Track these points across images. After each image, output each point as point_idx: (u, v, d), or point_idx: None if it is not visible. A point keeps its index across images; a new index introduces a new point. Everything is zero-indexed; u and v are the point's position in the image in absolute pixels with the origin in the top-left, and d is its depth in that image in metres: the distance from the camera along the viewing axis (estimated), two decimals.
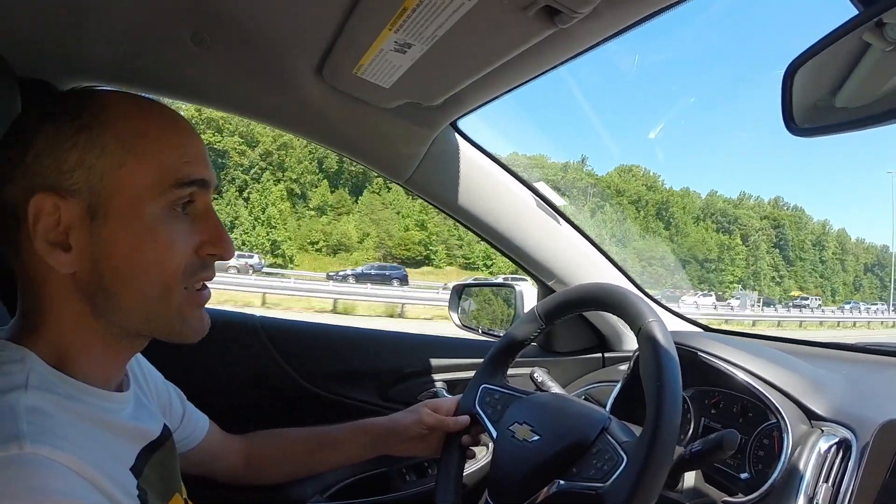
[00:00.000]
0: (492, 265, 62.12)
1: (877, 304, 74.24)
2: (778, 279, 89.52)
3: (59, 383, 0.76)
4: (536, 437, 1.13)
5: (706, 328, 1.95)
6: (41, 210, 0.75)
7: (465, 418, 1.33)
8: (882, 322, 49.93)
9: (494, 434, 1.23)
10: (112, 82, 1.51)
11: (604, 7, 0.93)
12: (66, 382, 0.77)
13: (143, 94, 1.44)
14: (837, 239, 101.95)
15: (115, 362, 0.87)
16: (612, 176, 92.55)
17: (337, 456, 1.38)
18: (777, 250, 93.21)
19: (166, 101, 1.51)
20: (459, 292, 2.24)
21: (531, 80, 1.27)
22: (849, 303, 71.26)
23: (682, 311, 1.99)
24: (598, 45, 1.11)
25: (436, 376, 1.90)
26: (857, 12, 0.80)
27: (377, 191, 70.78)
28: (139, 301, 0.81)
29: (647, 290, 1.97)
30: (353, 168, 66.98)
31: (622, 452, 1.02)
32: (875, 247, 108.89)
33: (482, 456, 1.80)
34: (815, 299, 71.01)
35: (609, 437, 1.07)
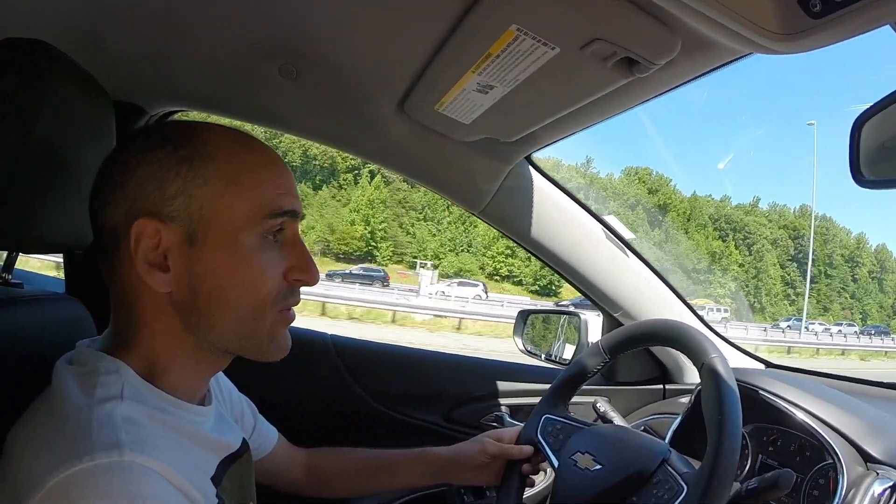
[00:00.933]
0: (439, 264, 60.15)
1: None
2: (793, 296, 78.81)
3: (150, 395, 0.81)
4: (598, 467, 1.15)
5: (767, 364, 1.93)
6: (143, 233, 0.80)
7: (529, 448, 1.34)
8: None
9: (556, 463, 1.25)
10: (200, 108, 1.59)
11: (681, 57, 0.96)
12: (157, 395, 0.82)
13: (231, 121, 1.54)
14: (876, 256, 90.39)
15: (201, 377, 0.93)
16: (611, 178, 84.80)
17: (395, 481, 1.41)
18: (794, 264, 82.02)
19: (251, 126, 1.60)
20: (525, 317, 2.25)
21: (607, 119, 1.30)
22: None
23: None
24: (671, 90, 1.14)
25: (499, 401, 1.92)
26: None
27: (338, 187, 66.91)
28: (233, 322, 0.85)
29: (710, 324, 1.97)
30: (319, 163, 64.64)
31: (682, 483, 1.03)
32: None
33: (540, 482, 1.82)
34: (849, 324, 62.10)
35: (669, 468, 1.08)
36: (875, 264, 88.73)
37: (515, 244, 1.82)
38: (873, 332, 54.27)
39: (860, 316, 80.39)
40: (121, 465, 0.68)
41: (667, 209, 79.07)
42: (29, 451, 0.72)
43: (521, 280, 61.91)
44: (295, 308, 0.93)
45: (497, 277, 62.49)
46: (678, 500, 1.01)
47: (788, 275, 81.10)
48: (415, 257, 61.14)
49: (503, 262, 62.77)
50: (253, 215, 0.84)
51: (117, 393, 0.77)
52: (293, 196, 0.90)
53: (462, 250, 64.16)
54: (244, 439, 1.02)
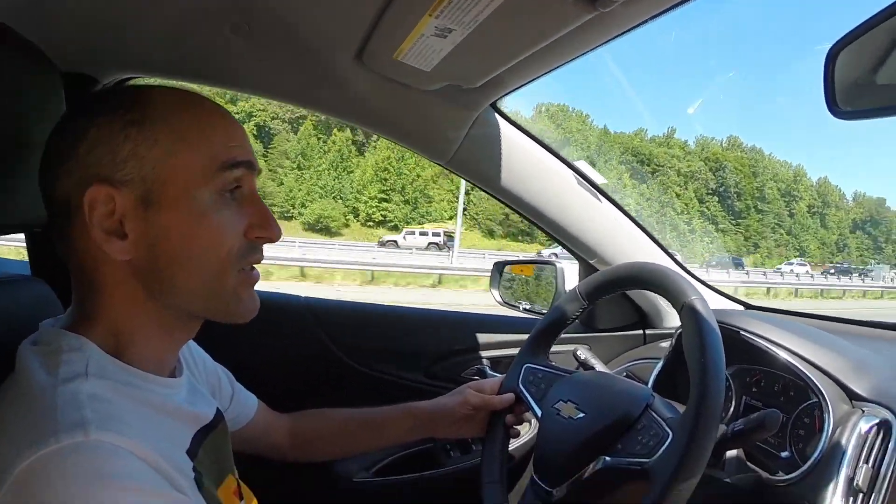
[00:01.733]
0: (304, 213, 60.04)
1: (871, 266, 65.52)
2: (714, 233, 75.29)
3: (116, 370, 0.79)
4: (581, 415, 1.14)
5: (747, 305, 1.94)
6: (96, 200, 0.78)
7: (510, 396, 1.34)
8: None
9: (539, 413, 1.25)
10: (153, 74, 1.53)
11: None
12: (123, 369, 0.80)
13: (185, 85, 1.50)
14: (818, 190, 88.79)
15: (170, 346, 0.91)
16: (518, 114, 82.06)
17: (380, 438, 1.40)
18: (715, 197, 79.00)
19: (207, 89, 1.55)
20: (501, 269, 2.24)
21: (571, 60, 1.26)
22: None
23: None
24: (637, 26, 1.10)
25: (479, 354, 1.92)
26: None
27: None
28: (195, 283, 0.83)
29: (687, 267, 1.96)
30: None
31: (667, 428, 1.02)
32: (870, 199, 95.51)
33: (526, 433, 1.82)
34: (801, 263, 60.37)
35: (653, 413, 1.07)
36: (816, 198, 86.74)
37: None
38: (833, 270, 54.79)
39: (797, 253, 78.88)
40: (87, 445, 0.66)
41: (568, 143, 76.14)
42: None
43: (396, 225, 61.58)
44: None
45: (371, 223, 62.38)
46: (664, 447, 1.00)
47: (708, 209, 77.98)
48: (282, 207, 60.91)
49: (376, 206, 62.76)
50: (206, 170, 0.82)
51: (82, 370, 0.75)
52: (246, 148, 0.88)
53: (334, 197, 63.51)
54: (218, 409, 1.00)
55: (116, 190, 0.79)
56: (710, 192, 79.37)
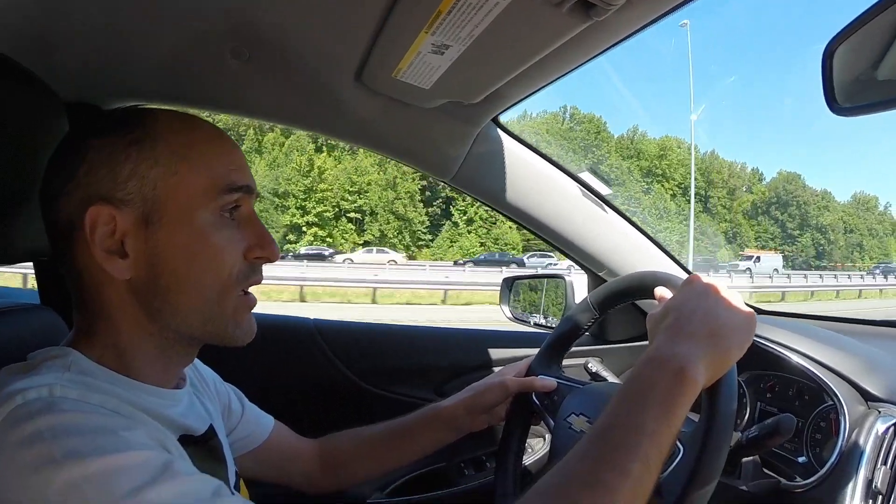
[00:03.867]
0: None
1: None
2: None
3: (100, 372, 0.80)
4: None
5: (758, 310, 1.92)
6: (98, 220, 0.79)
7: (552, 381, 1.32)
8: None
9: (552, 425, 1.24)
10: (155, 101, 1.55)
11: None
12: (111, 375, 0.81)
13: (187, 110, 1.51)
14: (702, 167, 74.67)
15: (168, 368, 0.91)
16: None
17: (413, 448, 1.36)
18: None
19: (208, 114, 1.56)
20: (510, 284, 2.24)
21: (570, 71, 1.26)
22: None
23: None
24: (634, 34, 1.10)
25: (491, 370, 1.91)
26: None
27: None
28: (196, 304, 0.84)
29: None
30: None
31: (678, 442, 1.01)
32: (783, 176, 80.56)
33: (539, 448, 1.81)
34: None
35: None
36: (697, 178, 73.98)
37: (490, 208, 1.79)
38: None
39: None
40: (54, 399, 0.69)
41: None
42: None
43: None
44: None
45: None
46: (675, 461, 0.98)
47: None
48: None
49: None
50: (207, 191, 0.83)
51: (59, 371, 0.76)
52: (245, 172, 0.89)
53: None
54: (211, 426, 0.99)
55: (117, 209, 0.80)
56: None
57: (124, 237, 0.80)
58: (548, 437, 1.60)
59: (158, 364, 0.87)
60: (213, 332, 0.88)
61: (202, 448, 0.93)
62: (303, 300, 21.67)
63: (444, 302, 23.86)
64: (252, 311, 0.92)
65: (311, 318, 1.92)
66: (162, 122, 0.86)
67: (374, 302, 22.64)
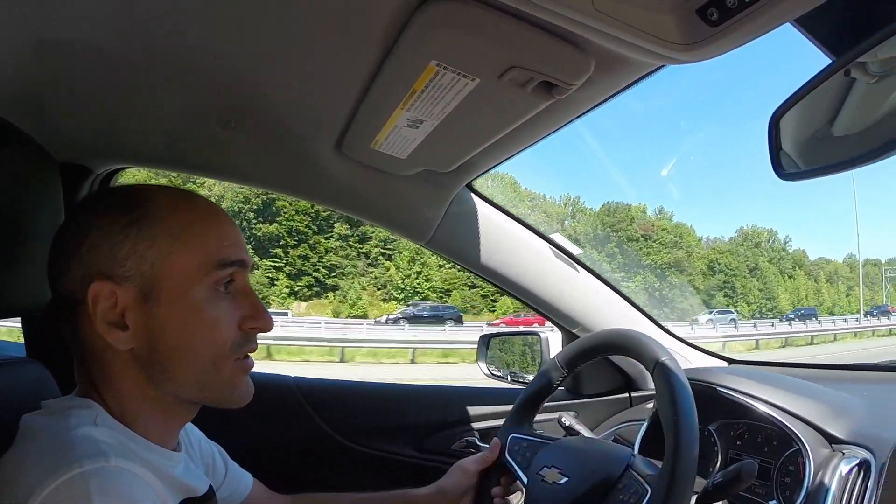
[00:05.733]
0: None
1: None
2: None
3: (122, 429, 0.84)
4: (565, 479, 1.18)
5: (731, 360, 1.97)
6: (99, 295, 0.83)
7: (496, 441, 1.38)
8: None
9: (525, 480, 1.27)
10: (145, 165, 1.61)
11: (596, 76, 0.99)
12: (127, 433, 0.85)
13: (174, 175, 1.57)
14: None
15: (169, 428, 0.95)
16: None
17: None
18: None
19: (195, 178, 1.62)
20: (487, 342, 2.27)
21: (537, 142, 1.34)
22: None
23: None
24: (595, 107, 1.18)
25: (469, 426, 1.93)
26: (830, 61, 0.85)
27: None
28: (193, 373, 0.88)
29: (667, 327, 2.01)
30: None
31: (646, 485, 1.06)
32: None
33: (516, 503, 1.83)
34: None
35: (634, 472, 1.11)
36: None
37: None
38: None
39: None
40: (109, 470, 0.71)
41: None
42: (13, 476, 0.73)
43: None
44: None
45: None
46: (644, 502, 1.03)
47: None
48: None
49: None
50: (201, 268, 0.88)
51: (91, 421, 0.80)
52: (239, 247, 0.93)
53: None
54: (210, 487, 1.02)
55: (118, 285, 0.84)
56: None
57: (125, 310, 0.84)
58: (523, 492, 1.63)
59: (159, 425, 0.91)
60: (209, 397, 0.92)
61: None
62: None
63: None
64: (248, 374, 0.95)
65: (292, 375, 1.95)
66: (159, 201, 0.89)
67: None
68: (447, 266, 55.14)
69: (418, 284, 57.02)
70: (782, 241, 77.50)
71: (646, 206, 75.08)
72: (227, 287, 0.91)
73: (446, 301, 54.04)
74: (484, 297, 56.85)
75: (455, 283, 56.40)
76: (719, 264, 70.81)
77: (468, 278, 55.40)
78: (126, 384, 0.87)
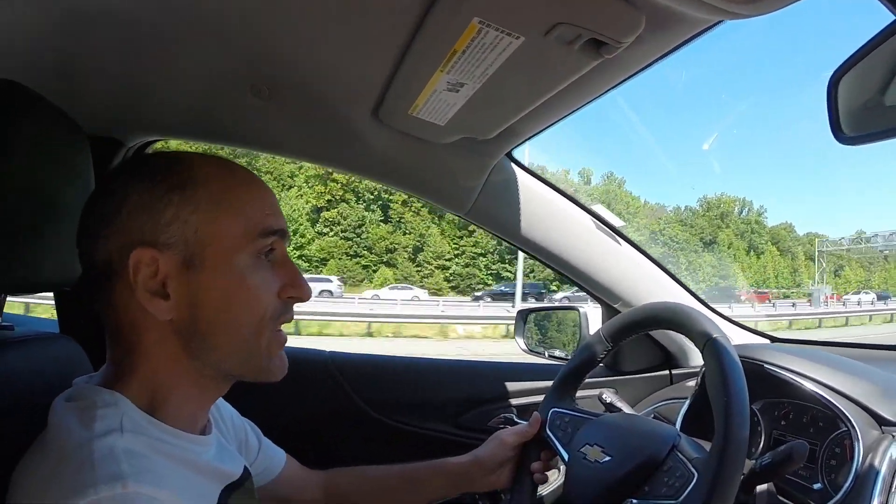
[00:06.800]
0: None
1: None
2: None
3: (149, 427, 0.81)
4: (608, 458, 1.14)
5: (773, 338, 1.92)
6: (141, 262, 0.81)
7: (536, 416, 1.36)
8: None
9: (566, 457, 1.24)
10: (177, 136, 1.60)
11: (646, 34, 0.94)
12: (156, 426, 0.82)
13: (210, 146, 1.55)
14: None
15: (202, 404, 0.93)
16: None
17: (417, 495, 1.38)
18: None
19: (228, 150, 1.60)
20: (525, 317, 2.24)
21: (582, 107, 1.29)
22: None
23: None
24: (644, 69, 1.12)
25: (506, 402, 1.91)
26: (893, 17, 0.81)
27: None
28: (234, 342, 0.87)
29: (711, 305, 1.96)
30: None
31: (692, 469, 1.01)
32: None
33: (554, 479, 1.80)
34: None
35: (679, 454, 1.07)
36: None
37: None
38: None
39: None
40: (125, 497, 0.68)
41: None
42: (34, 490, 0.73)
43: None
44: None
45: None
46: (689, 488, 0.99)
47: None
48: None
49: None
50: (245, 235, 0.86)
51: (116, 425, 0.77)
52: (280, 216, 0.92)
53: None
54: (245, 467, 1.01)
55: (160, 252, 0.82)
56: None
57: (166, 279, 0.83)
58: (562, 468, 1.60)
59: (192, 402, 0.90)
60: (248, 368, 0.90)
61: (242, 493, 0.96)
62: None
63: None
64: (283, 347, 0.94)
65: (326, 350, 1.94)
66: (198, 167, 0.88)
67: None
68: (329, 234, 55.69)
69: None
70: (756, 213, 73.34)
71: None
72: (268, 256, 0.89)
73: (321, 271, 52.75)
74: (365, 267, 56.17)
75: (334, 251, 55.70)
76: (663, 235, 67.96)
77: (350, 247, 56.27)
78: (162, 358, 0.85)
